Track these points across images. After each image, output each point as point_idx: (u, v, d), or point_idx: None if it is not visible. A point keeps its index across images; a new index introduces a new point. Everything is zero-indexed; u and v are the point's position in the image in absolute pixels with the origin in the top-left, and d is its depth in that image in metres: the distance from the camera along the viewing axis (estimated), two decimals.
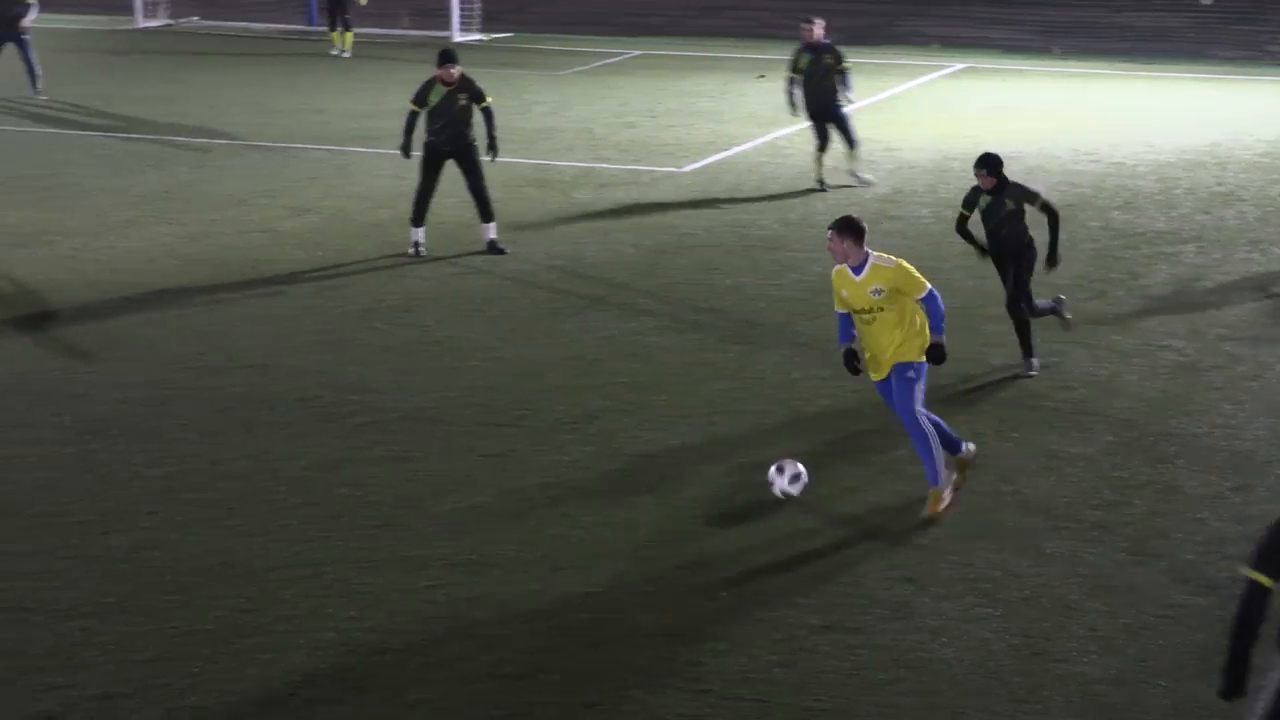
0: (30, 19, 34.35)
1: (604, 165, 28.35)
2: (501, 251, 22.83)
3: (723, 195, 26.36)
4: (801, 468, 14.68)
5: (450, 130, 22.58)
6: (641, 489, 15.14)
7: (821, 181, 26.62)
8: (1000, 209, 17.77)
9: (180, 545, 14.08)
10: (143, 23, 45.99)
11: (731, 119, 32.76)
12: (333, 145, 30.07)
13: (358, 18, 41.42)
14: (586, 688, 11.78)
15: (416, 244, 22.96)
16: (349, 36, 40.89)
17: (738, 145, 30.17)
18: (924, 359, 14.40)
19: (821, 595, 13.15)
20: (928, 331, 14.43)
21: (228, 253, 23.06)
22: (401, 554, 13.86)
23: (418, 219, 22.94)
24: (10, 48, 34.32)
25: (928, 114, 32.91)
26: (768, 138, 30.71)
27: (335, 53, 40.75)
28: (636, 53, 40.75)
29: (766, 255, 22.77)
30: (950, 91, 36.29)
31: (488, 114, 22.82)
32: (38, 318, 20.24)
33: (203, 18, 46.44)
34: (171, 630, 12.60)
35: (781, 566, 13.66)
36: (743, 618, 12.78)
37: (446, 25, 43.74)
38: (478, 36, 43.64)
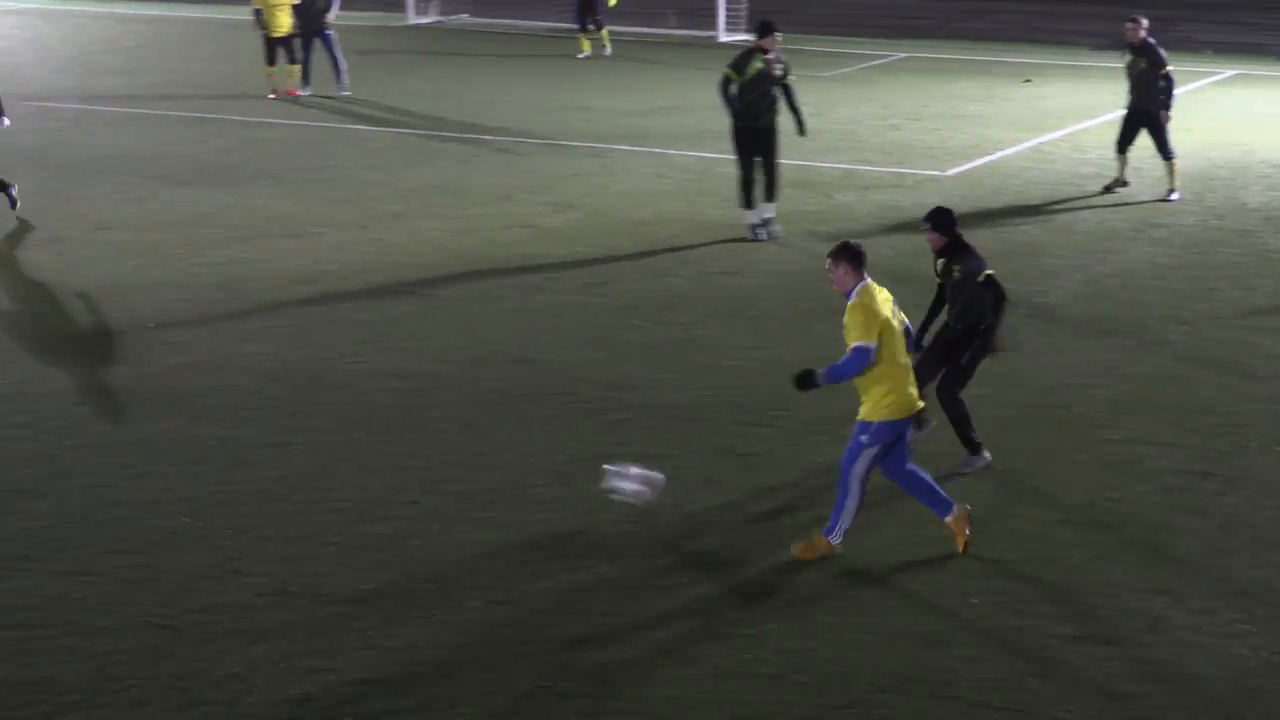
0: (334, 13, 34.89)
1: (866, 167, 28.28)
2: (769, 236, 23.11)
3: (985, 199, 26.17)
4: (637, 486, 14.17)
5: (761, 104, 22.89)
6: (893, 492, 15.07)
7: (1120, 181, 26.38)
8: (948, 274, 15.62)
9: (440, 535, 14.31)
10: (414, 19, 46.70)
11: (996, 123, 32.50)
12: (597, 143, 30.32)
13: (609, 17, 41.25)
14: (837, 689, 11.80)
15: (753, 227, 23.35)
16: (603, 34, 40.78)
17: (1002, 150, 29.93)
18: (879, 419, 13.46)
19: (1074, 606, 13.03)
20: (897, 391, 13.46)
21: (492, 248, 23.37)
22: (650, 550, 13.94)
23: (748, 203, 23.27)
24: (318, 43, 34.90)
25: (1197, 120, 32.35)
26: (1032, 143, 30.44)
27: (582, 56, 40.61)
28: (902, 55, 40.61)
29: (1028, 260, 22.58)
30: (1221, 98, 35.67)
31: (788, 90, 23.18)
32: (305, 307, 20.67)
33: (473, 14, 47.03)
34: (428, 619, 12.82)
35: (1033, 576, 13.54)
36: (994, 625, 12.72)
37: (712, 25, 43.86)
38: (744, 37, 43.65)
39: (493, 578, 13.50)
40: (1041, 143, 30.30)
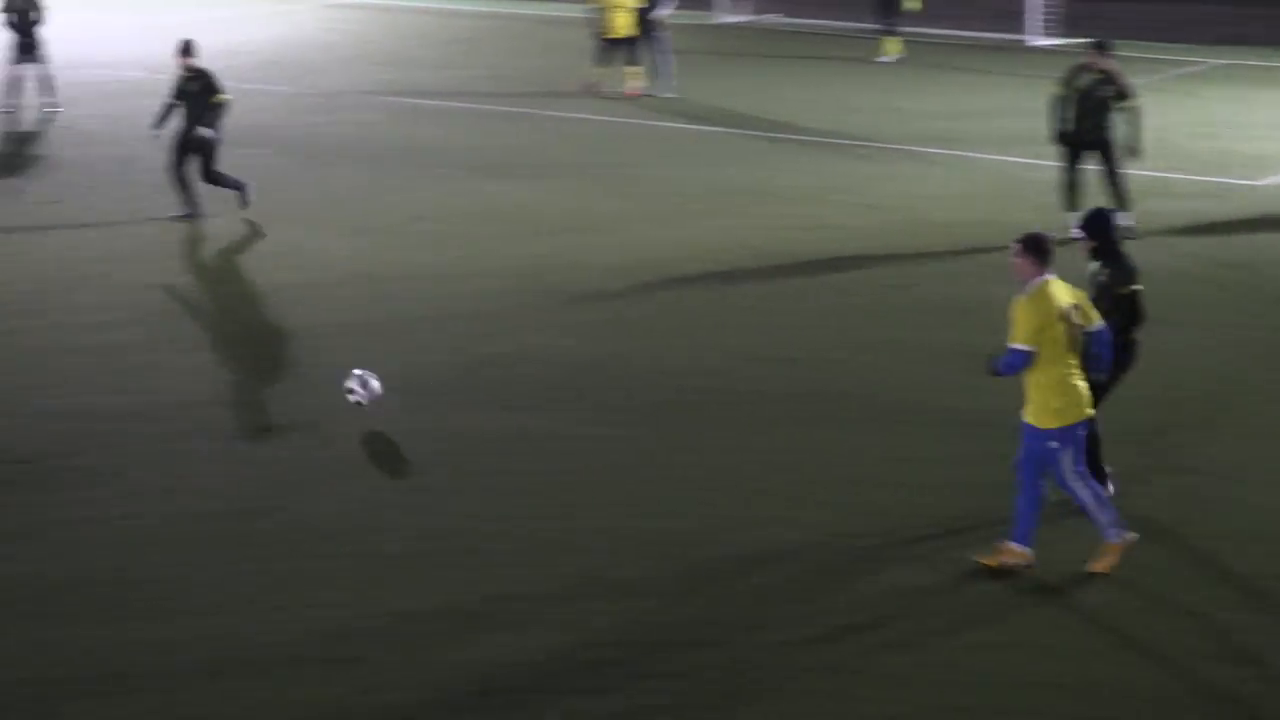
0: (667, 11, 34.76)
1: (1178, 175, 27.77)
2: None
3: None
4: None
5: (1091, 120, 22.78)
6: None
7: None
8: (1095, 280, 14.85)
9: (732, 533, 14.45)
10: (724, 18, 46.80)
11: None
12: (909, 145, 30.18)
13: (907, 21, 40.37)
14: None
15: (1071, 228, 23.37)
16: (896, 42, 39.99)
17: None
18: (1052, 426, 13.28)
19: None
20: (1060, 396, 13.26)
21: (797, 247, 23.42)
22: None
23: (1071, 205, 23.18)
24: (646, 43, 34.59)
25: None
26: None
27: (884, 60, 39.83)
28: (1223, 62, 39.75)
29: None
30: None
31: (1132, 114, 23.17)
32: (611, 303, 20.91)
33: (785, 14, 47.01)
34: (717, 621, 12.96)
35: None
36: None
37: (1019, 29, 43.30)
38: (1055, 41, 43.10)
39: (799, 575, 13.60)
40: None
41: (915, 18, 40.26)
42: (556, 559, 13.91)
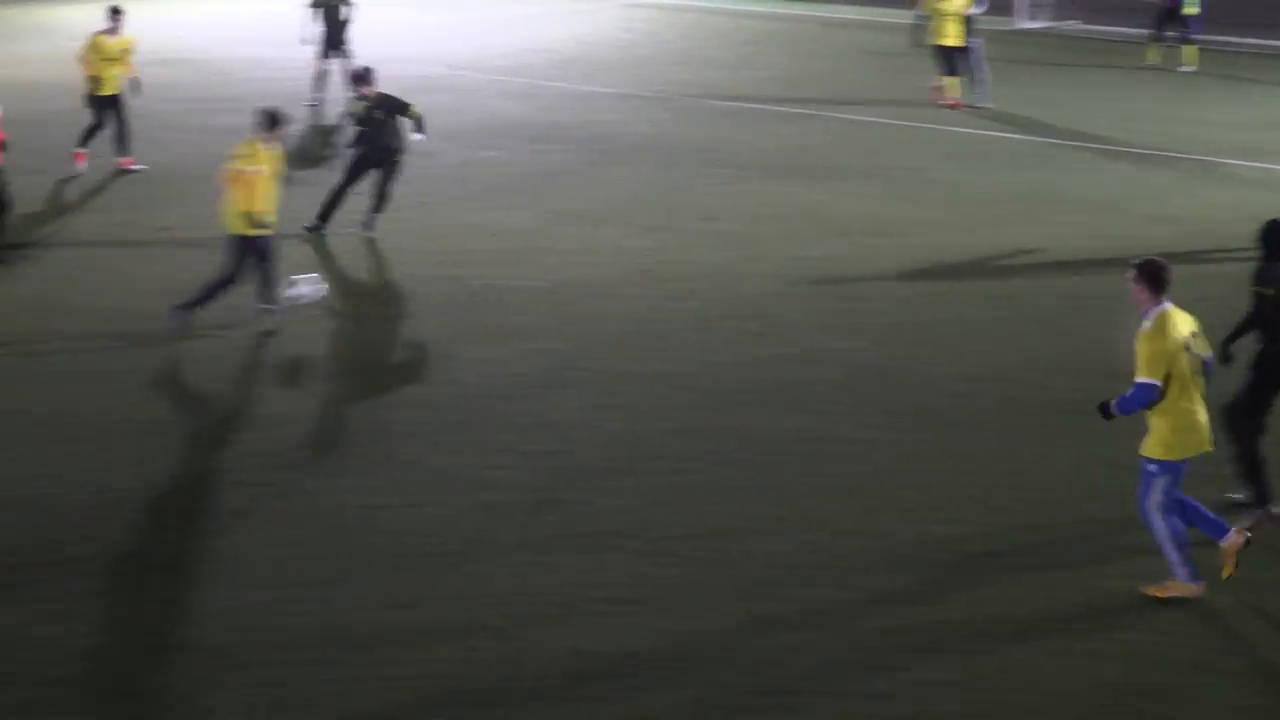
0: (978, 10, 34.01)
1: None
2: None
3: None
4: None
5: None
6: None
7: None
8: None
9: (1011, 535, 14.37)
10: (1022, 24, 46.32)
11: None
12: (1207, 155, 29.64)
13: (1198, 29, 39.28)
14: None
15: None
16: (1192, 50, 38.89)
17: None
18: (1157, 456, 12.92)
19: None
20: (1180, 430, 12.90)
21: (1089, 254, 23.12)
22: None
23: None
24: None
25: None
26: None
27: (1184, 69, 38.81)
28: None
29: None
30: None
31: None
32: (897, 306, 20.83)
33: (1083, 21, 46.43)
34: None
35: None
36: None
37: None
38: None
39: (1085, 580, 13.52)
40: None
41: (1208, 26, 39.40)
42: (832, 561, 13.92)
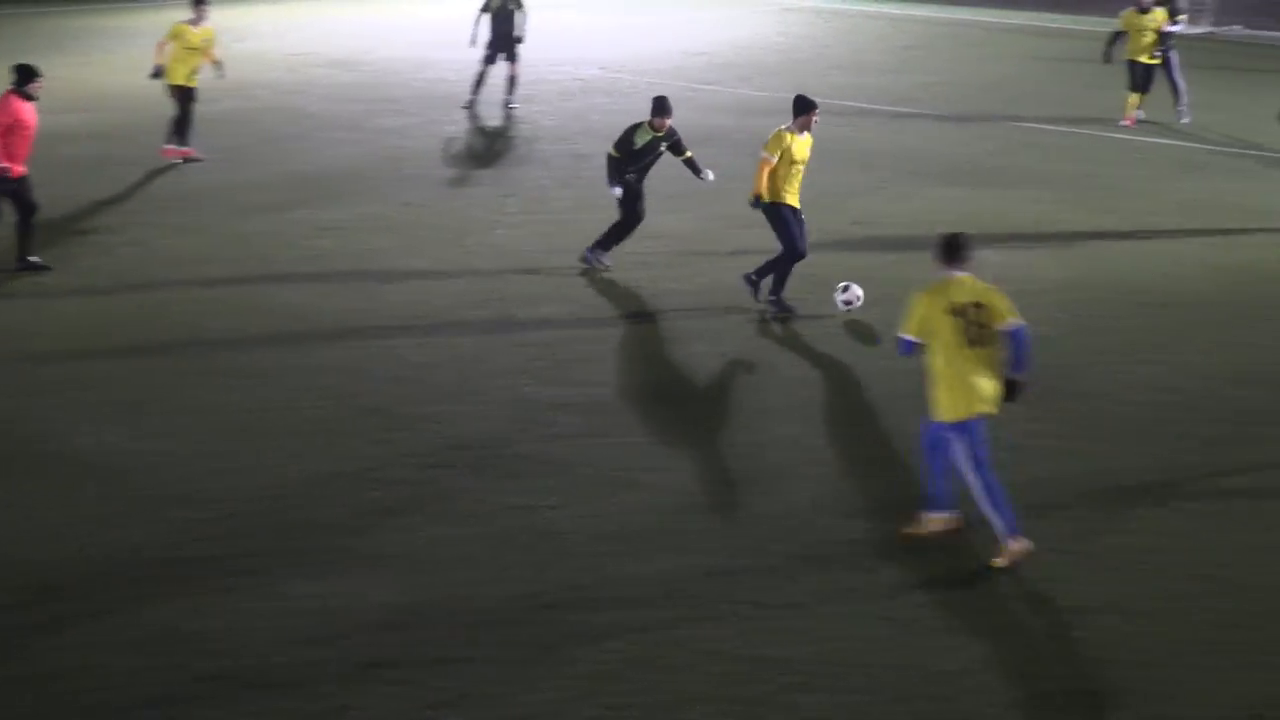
0: (1176, 27, 33.50)
1: None
2: None
3: None
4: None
5: None
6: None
7: None
8: None
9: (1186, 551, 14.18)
10: (1186, 29, 45.78)
11: None
12: None
13: None
14: None
15: None
16: None
17: None
18: (935, 417, 13.76)
19: None
20: (947, 392, 13.68)
21: (1262, 264, 22.87)
22: None
23: None
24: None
25: None
26: None
27: None
28: None
29: None
30: None
31: None
32: (1055, 315, 20.53)
33: (1246, 26, 45.84)
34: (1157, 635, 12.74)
35: None
36: None
37: None
38: None
39: (1217, 599, 13.30)
40: None
41: None
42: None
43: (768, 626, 12.79)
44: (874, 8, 49.12)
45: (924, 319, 13.66)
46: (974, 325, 13.57)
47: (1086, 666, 12.23)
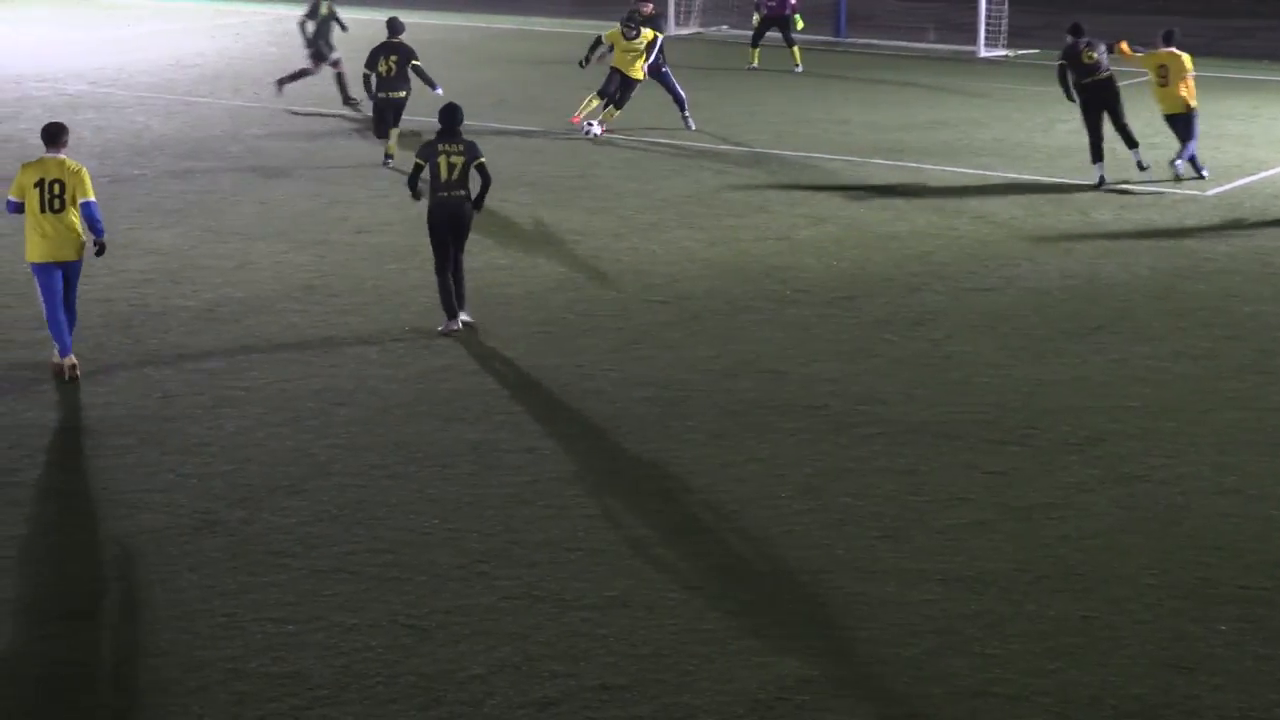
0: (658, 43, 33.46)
1: (1125, 186, 27.92)
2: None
3: (1247, 220, 25.74)
4: None
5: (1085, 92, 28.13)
6: (1144, 516, 14.95)
7: None
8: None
9: (685, 544, 14.43)
10: (673, 30, 46.85)
11: (1261, 143, 31.93)
12: (854, 156, 30.28)
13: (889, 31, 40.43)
14: (1080, 711, 11.71)
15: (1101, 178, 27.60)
16: (797, 51, 40.21)
17: (1266, 170, 29.39)
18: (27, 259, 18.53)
19: None
20: (30, 240, 18.35)
21: (745, 259, 23.46)
22: (900, 566, 13.96)
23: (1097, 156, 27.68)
24: None
25: None
26: None
27: (797, 70, 39.83)
28: None
29: None
30: None
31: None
32: (560, 314, 20.87)
33: (732, 26, 47.16)
34: (671, 627, 12.93)
35: None
36: (1242, 654, 12.52)
37: (971, 40, 43.61)
38: (1002, 52, 43.40)
39: (737, 588, 13.60)
40: None
41: (871, 30, 40.38)
42: (500, 570, 13.87)
43: (280, 642, 12.69)
44: (367, 14, 49.02)
45: (20, 186, 18.14)
46: (54, 195, 18.06)
47: (611, 658, 12.41)
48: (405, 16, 32.07)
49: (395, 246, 23.85)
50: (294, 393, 18.10)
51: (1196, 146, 28.27)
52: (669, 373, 18.78)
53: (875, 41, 44.58)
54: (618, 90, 31.77)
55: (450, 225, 20.15)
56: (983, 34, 43.44)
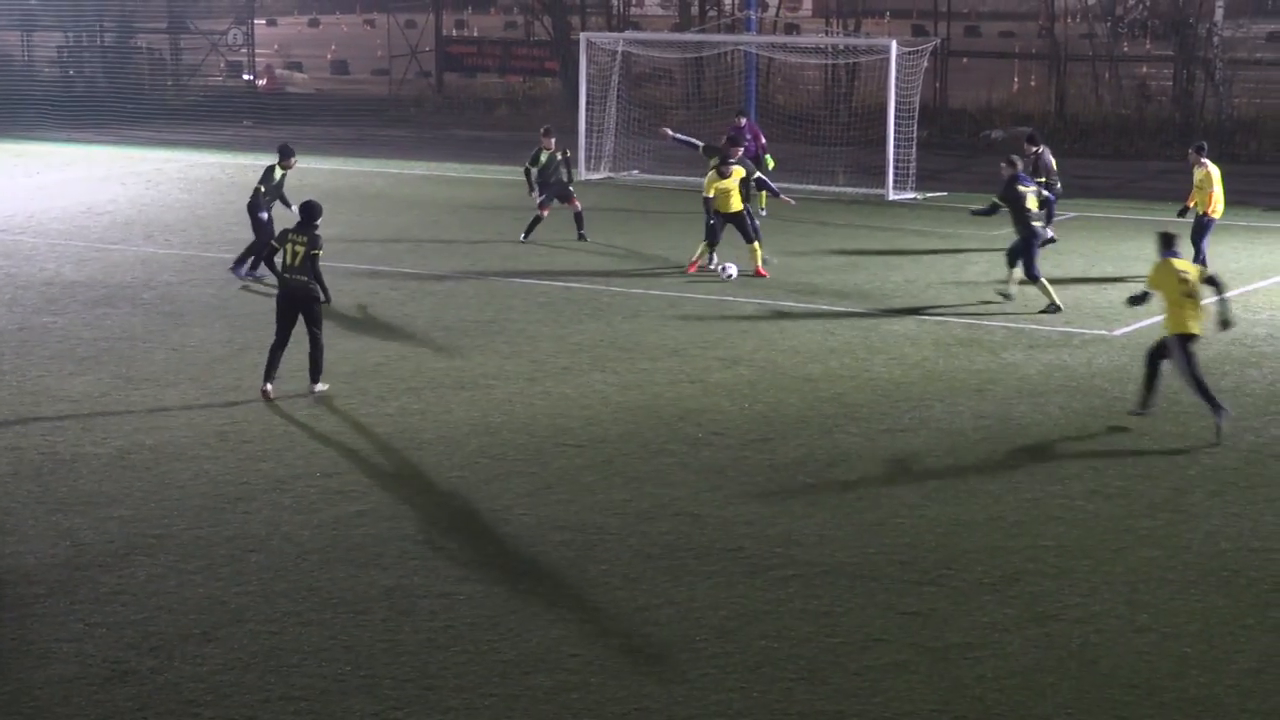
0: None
1: (1034, 326, 28.18)
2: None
3: None
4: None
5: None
6: (1060, 655, 14.99)
7: None
8: None
9: (602, 689, 14.37)
10: (584, 175, 47.13)
11: None
12: (766, 299, 30.44)
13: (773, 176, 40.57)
14: None
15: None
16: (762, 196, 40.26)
17: None
18: None
19: None
20: None
21: (660, 402, 23.49)
22: (817, 708, 13.93)
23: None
24: None
25: None
26: (1204, 303, 30.11)
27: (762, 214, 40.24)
28: (1072, 215, 40.41)
29: (1198, 423, 22.30)
30: None
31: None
32: (474, 459, 20.83)
33: (642, 171, 47.52)
34: None
35: None
36: None
37: (881, 184, 44.03)
38: (912, 195, 43.86)
39: None
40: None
41: (782, 173, 40.68)
42: (415, 717, 13.75)
43: None
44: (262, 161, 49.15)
45: None
46: None
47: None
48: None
49: (307, 393, 23.78)
50: (207, 539, 17.97)
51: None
52: (584, 516, 18.76)
53: (792, 186, 44.91)
54: (721, 229, 32.85)
55: (292, 304, 23.34)
56: (891, 177, 43.87)
